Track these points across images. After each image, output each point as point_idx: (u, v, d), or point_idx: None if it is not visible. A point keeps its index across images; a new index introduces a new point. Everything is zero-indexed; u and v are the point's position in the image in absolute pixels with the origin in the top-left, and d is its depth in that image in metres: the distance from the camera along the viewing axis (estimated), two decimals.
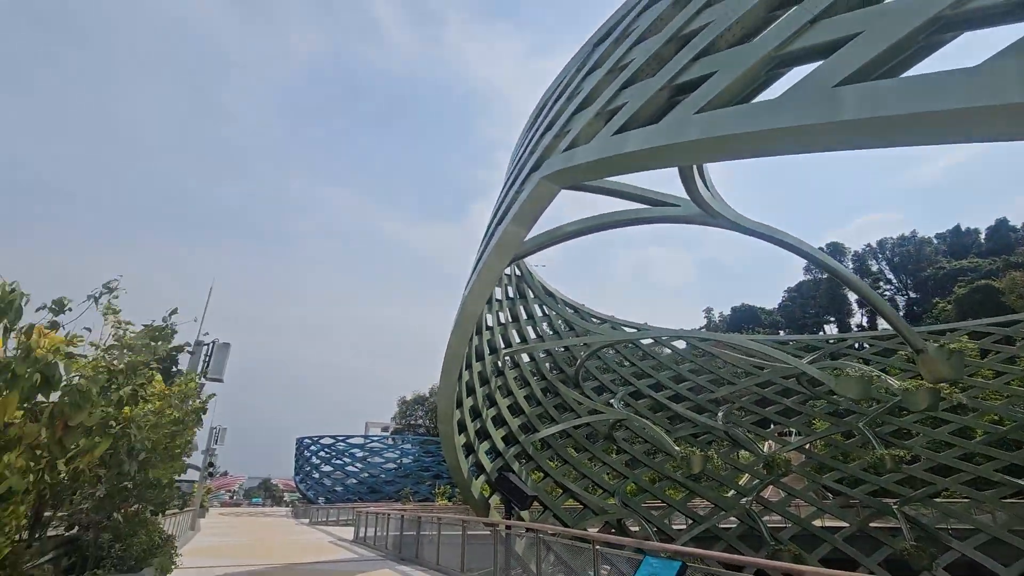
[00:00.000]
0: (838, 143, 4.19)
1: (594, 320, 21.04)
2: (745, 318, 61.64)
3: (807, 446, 20.52)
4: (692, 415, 20.58)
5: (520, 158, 8.56)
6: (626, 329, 20.87)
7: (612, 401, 20.19)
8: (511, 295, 18.16)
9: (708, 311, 68.19)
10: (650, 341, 21.98)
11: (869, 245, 64.80)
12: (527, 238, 7.86)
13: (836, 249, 62.81)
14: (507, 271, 17.32)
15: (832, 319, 60.63)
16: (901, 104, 3.37)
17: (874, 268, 62.38)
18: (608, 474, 20.00)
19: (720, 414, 20.44)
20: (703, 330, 54.39)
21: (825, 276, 61.60)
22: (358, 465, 50.76)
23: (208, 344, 13.83)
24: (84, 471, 4.19)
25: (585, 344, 18.62)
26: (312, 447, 51.49)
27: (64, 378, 2.66)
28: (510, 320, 17.91)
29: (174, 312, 5.10)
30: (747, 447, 20.26)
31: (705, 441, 21.05)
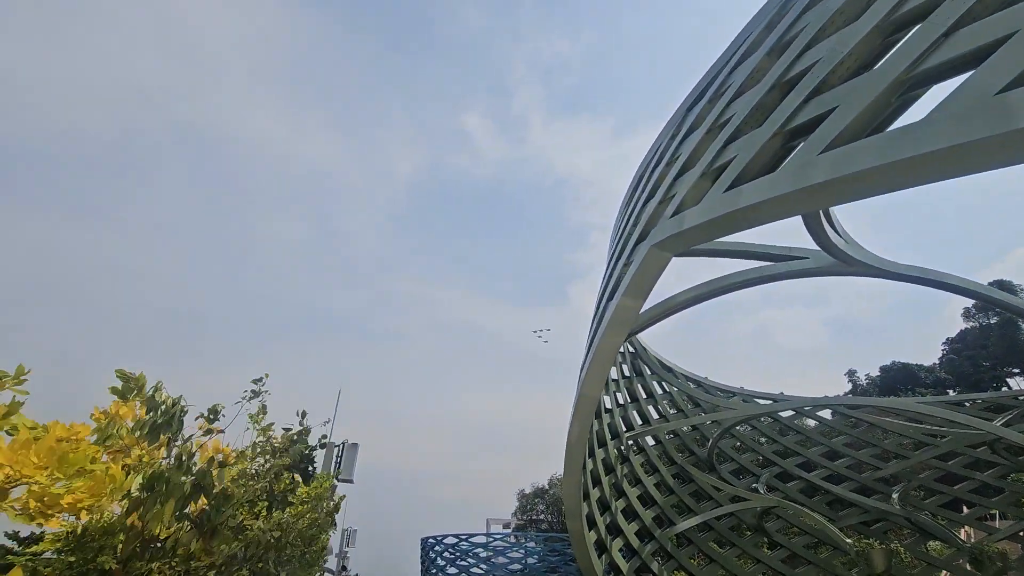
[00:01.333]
0: (1009, 157, 3.59)
1: (720, 393, 19.25)
2: (900, 378, 53.40)
3: (1022, 533, 16.38)
4: (858, 498, 17.47)
5: (622, 231, 8.42)
6: (759, 401, 18.80)
7: (756, 485, 17.83)
8: (627, 373, 17.31)
9: (851, 373, 60.06)
10: (790, 413, 19.54)
11: None
12: (641, 311, 7.49)
13: (1003, 287, 53.80)
14: (620, 348, 16.68)
15: (1016, 371, 50.70)
16: None
17: None
18: (764, 574, 17.25)
19: (895, 496, 17.15)
20: (850, 395, 47.90)
21: (995, 321, 52.53)
22: (482, 567, 48.69)
23: (338, 445, 14.47)
24: None
25: (715, 421, 16.94)
26: (436, 547, 50.51)
27: (216, 486, 2.78)
28: (629, 400, 16.93)
29: (304, 415, 5.36)
30: (939, 536, 16.60)
31: (881, 530, 17.68)
